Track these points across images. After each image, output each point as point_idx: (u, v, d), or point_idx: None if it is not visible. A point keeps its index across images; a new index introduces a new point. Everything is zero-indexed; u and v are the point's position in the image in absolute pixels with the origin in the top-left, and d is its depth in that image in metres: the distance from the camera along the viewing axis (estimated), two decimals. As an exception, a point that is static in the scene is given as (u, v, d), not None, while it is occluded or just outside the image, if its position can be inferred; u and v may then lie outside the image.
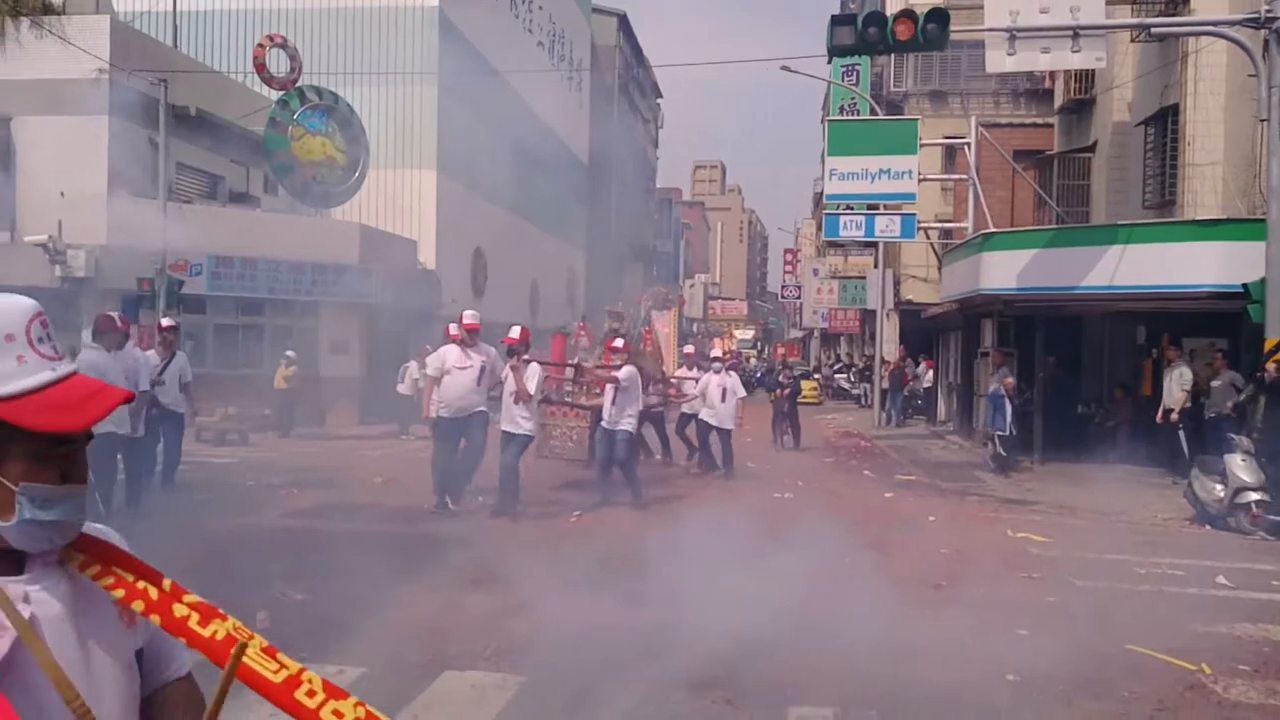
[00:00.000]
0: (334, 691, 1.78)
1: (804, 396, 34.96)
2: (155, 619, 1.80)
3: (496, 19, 42.18)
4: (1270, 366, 15.12)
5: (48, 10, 20.29)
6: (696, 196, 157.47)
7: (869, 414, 36.72)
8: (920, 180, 27.77)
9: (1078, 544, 13.18)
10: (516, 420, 13.66)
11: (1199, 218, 20.03)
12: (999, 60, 18.03)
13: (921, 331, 38.56)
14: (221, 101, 28.46)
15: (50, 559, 1.78)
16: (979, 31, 18.62)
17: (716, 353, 20.90)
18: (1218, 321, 19.82)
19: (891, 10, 30.07)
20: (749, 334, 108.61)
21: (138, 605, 1.80)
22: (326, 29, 34.48)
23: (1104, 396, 23.65)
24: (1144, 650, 8.17)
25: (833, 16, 17.79)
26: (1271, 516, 14.12)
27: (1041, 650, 8.00)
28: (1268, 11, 15.63)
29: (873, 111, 36.84)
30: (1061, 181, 28.73)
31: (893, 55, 35.75)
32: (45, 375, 1.71)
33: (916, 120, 29.71)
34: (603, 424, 15.37)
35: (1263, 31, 15.91)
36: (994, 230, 23.33)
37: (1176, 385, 19.04)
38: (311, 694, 1.76)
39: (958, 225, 29.77)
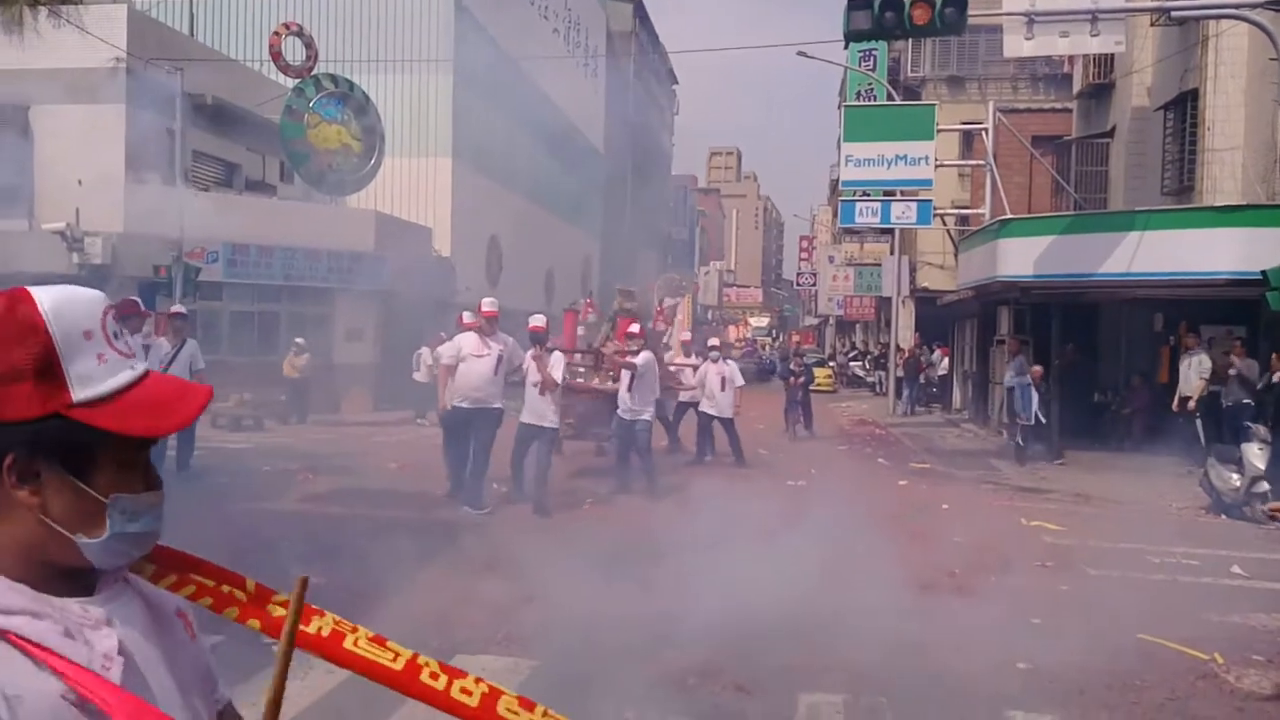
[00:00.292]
0: (453, 671, 1.77)
1: (818, 384, 34.91)
2: (255, 624, 1.73)
3: (512, 5, 42.06)
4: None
5: (65, 0, 20.33)
6: (712, 183, 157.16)
7: (884, 402, 36.67)
8: (937, 166, 27.64)
9: (1092, 532, 13.15)
10: (544, 413, 13.35)
11: (1218, 204, 19.92)
12: (1017, 44, 17.94)
13: (937, 319, 38.45)
14: (238, 90, 28.47)
15: (120, 574, 1.60)
16: (997, 16, 18.55)
17: (714, 341, 20.70)
18: (1236, 309, 19.72)
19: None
20: (764, 321, 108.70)
21: (230, 613, 1.72)
22: (342, 16, 34.42)
23: (1121, 384, 23.54)
24: (1157, 639, 8.14)
25: (849, 0, 17.70)
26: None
27: (1054, 639, 7.99)
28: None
29: (890, 97, 36.68)
30: (1080, 167, 28.60)
31: (910, 40, 35.61)
32: (126, 375, 1.52)
33: (934, 105, 29.57)
34: (620, 413, 15.21)
35: (1283, 15, 15.81)
36: (1011, 217, 23.23)
37: (1195, 373, 18.94)
38: (435, 676, 1.75)
39: (974, 211, 29.66)
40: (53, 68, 23.16)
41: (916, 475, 18.72)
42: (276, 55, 30.19)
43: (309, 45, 30.83)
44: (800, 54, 34.70)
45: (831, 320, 79.68)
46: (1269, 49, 17.09)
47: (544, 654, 7.31)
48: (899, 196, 29.01)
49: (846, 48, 36.34)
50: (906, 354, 36.30)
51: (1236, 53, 20.84)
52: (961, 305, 30.85)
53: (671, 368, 20.53)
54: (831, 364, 55.24)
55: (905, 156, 27.24)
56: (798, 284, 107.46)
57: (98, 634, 1.47)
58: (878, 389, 44.47)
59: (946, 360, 36.45)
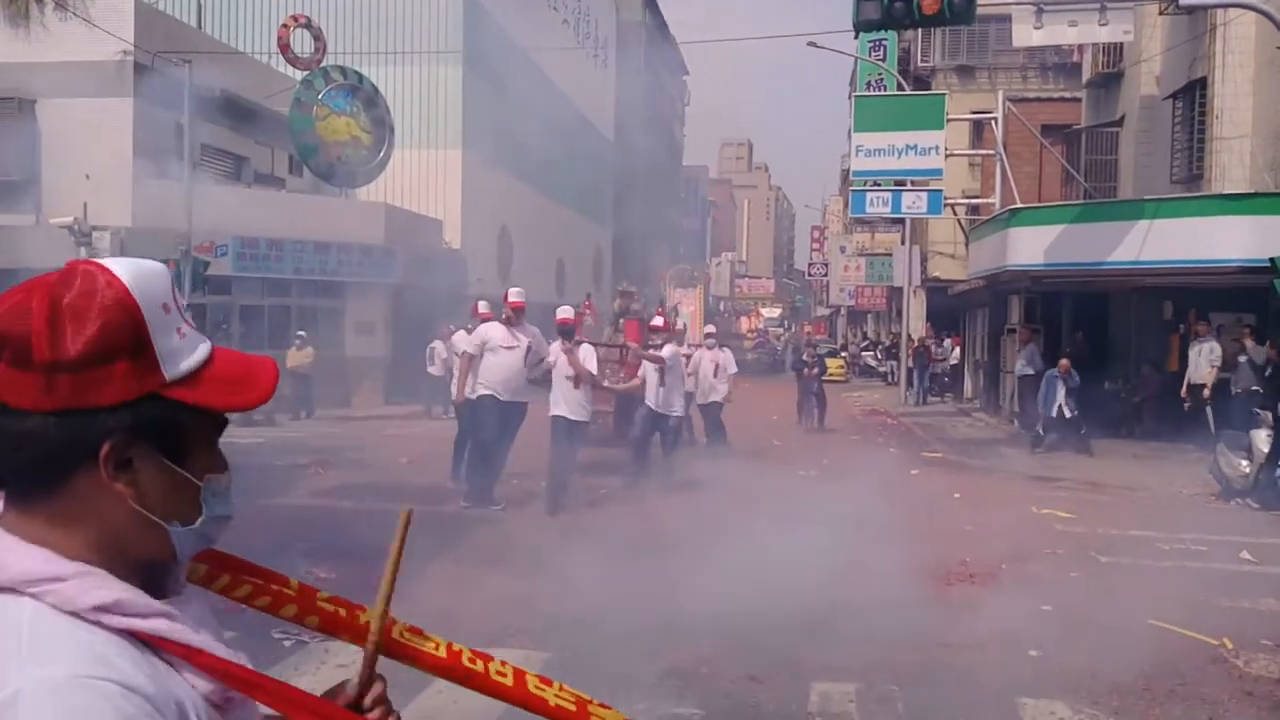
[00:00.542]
0: (484, 656, 1.76)
1: (830, 374, 34.84)
2: (313, 620, 1.65)
3: (522, -4, 42.07)
4: None
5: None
6: (723, 174, 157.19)
7: (895, 391, 36.63)
8: (947, 156, 27.59)
9: (1102, 520, 13.15)
10: (578, 406, 13.03)
11: (1227, 192, 19.89)
12: (1026, 34, 17.97)
13: (948, 308, 38.41)
14: (246, 82, 28.49)
15: (181, 573, 1.49)
16: (1006, 5, 18.55)
17: (710, 329, 20.40)
18: (1245, 296, 19.68)
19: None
20: (776, 312, 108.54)
21: (289, 610, 1.64)
22: (350, 8, 34.44)
23: (1131, 372, 23.52)
24: (1166, 625, 8.15)
25: (858, -10, 17.69)
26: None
27: (1064, 626, 8.01)
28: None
29: (900, 87, 36.64)
30: (1089, 156, 28.58)
31: (920, 30, 35.56)
32: (204, 349, 1.42)
33: (944, 95, 29.51)
34: (653, 407, 14.95)
35: (1292, 2, 15.77)
36: (1021, 206, 23.22)
37: (1205, 361, 18.93)
38: (474, 660, 1.73)
39: (985, 201, 29.60)
40: (60, 61, 23.21)
41: (928, 464, 18.72)
42: (285, 47, 30.22)
43: (317, 37, 30.86)
44: (811, 44, 34.69)
45: (843, 310, 79.56)
46: (1277, 37, 17.08)
47: (556, 646, 7.34)
48: (909, 186, 28.97)
49: (857, 38, 36.49)
50: (917, 344, 36.27)
51: (1245, 41, 20.79)
52: (972, 294, 30.83)
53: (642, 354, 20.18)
54: (843, 354, 55.16)
55: (915, 146, 27.19)
56: (809, 274, 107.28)
57: (197, 636, 1.36)
58: (889, 379, 44.42)
59: (957, 350, 36.41)
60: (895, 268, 41.43)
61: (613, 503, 13.52)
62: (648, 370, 15.07)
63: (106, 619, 1.27)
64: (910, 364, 34.98)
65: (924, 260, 39.64)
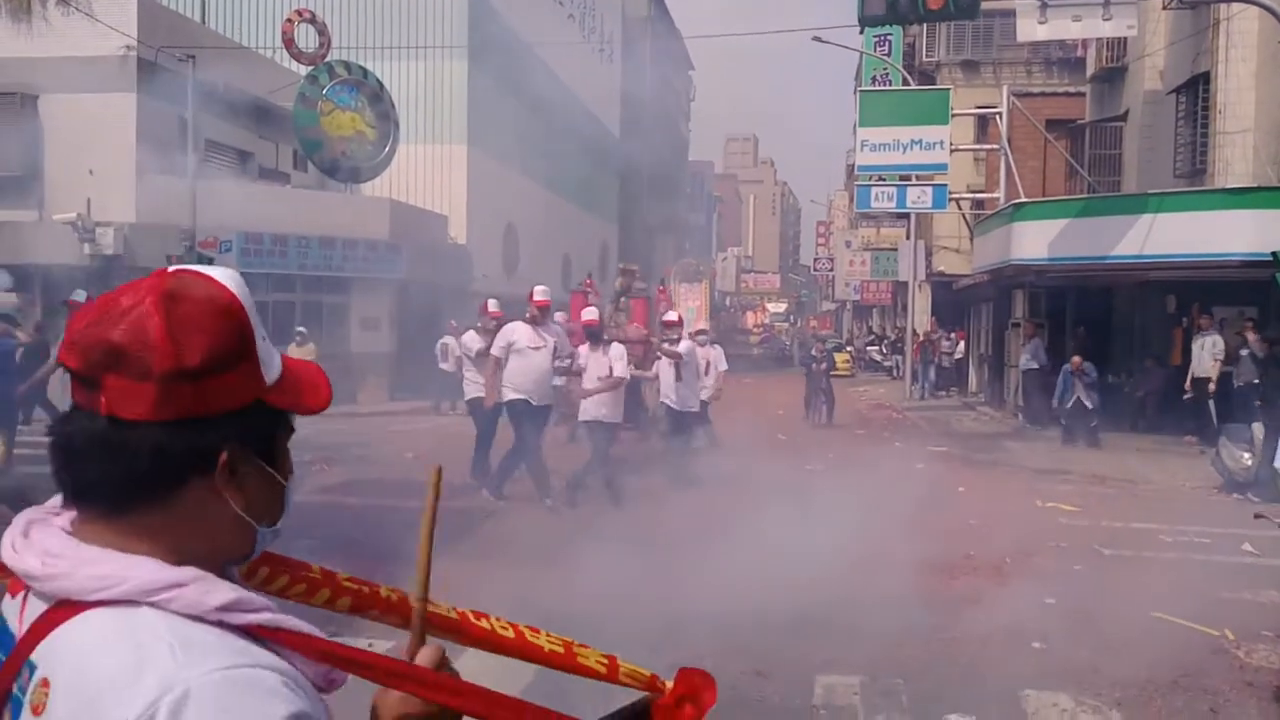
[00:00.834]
0: (512, 625, 1.86)
1: (836, 369, 34.82)
2: (346, 602, 1.70)
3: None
4: None
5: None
6: (729, 169, 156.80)
7: (900, 386, 36.64)
8: (952, 150, 27.60)
9: (1106, 513, 13.19)
10: (607, 408, 12.85)
11: (1230, 186, 19.90)
12: (1030, 29, 17.96)
13: (953, 303, 38.44)
14: (250, 77, 28.48)
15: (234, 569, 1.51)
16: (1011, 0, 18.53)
17: (702, 324, 20.38)
18: (1248, 290, 19.68)
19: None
20: (782, 307, 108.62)
21: (322, 595, 1.68)
22: (355, 3, 34.46)
23: (1134, 366, 23.53)
24: (1169, 617, 8.19)
25: (863, -14, 17.72)
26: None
27: (1068, 618, 8.05)
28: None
29: (905, 82, 36.59)
30: (1093, 151, 28.58)
31: (925, 25, 35.55)
32: (278, 353, 1.45)
33: (948, 90, 29.52)
34: (671, 404, 14.91)
35: (1295, -3, 15.77)
36: (1025, 200, 23.23)
37: (1208, 354, 18.96)
38: (505, 628, 1.85)
39: (989, 196, 29.60)
40: (62, 56, 23.20)
41: (933, 458, 18.73)
42: (289, 42, 30.20)
43: (322, 32, 30.85)
44: (816, 39, 34.58)
45: (848, 305, 79.69)
46: (1279, 31, 17.08)
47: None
48: (914, 181, 28.98)
49: (862, 33, 36.49)
50: (922, 338, 36.26)
51: (1247, 36, 20.78)
52: (977, 289, 30.85)
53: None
54: (849, 348, 55.19)
55: (920, 141, 27.21)
56: (815, 269, 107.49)
57: (305, 624, 1.39)
58: (895, 373, 44.42)
59: (962, 344, 36.41)
60: (900, 262, 41.51)
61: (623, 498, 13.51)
62: (662, 367, 14.99)
63: (228, 617, 1.30)
64: (915, 359, 34.98)
65: (929, 255, 39.63)
